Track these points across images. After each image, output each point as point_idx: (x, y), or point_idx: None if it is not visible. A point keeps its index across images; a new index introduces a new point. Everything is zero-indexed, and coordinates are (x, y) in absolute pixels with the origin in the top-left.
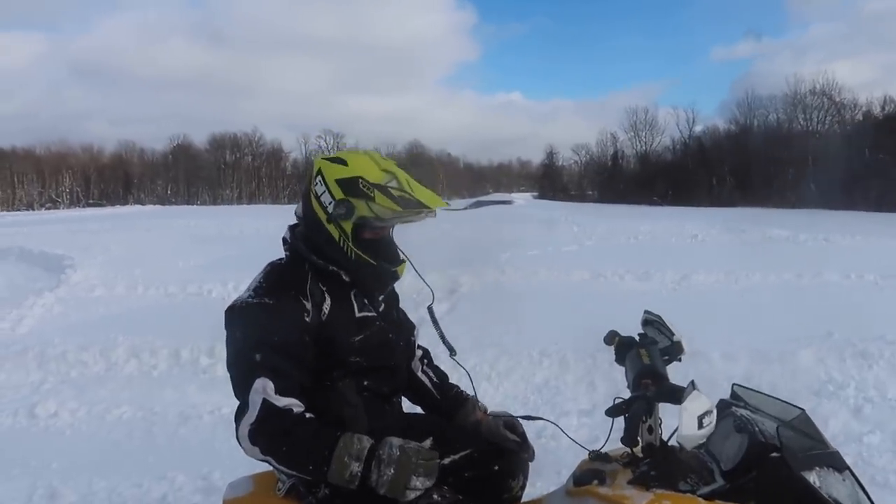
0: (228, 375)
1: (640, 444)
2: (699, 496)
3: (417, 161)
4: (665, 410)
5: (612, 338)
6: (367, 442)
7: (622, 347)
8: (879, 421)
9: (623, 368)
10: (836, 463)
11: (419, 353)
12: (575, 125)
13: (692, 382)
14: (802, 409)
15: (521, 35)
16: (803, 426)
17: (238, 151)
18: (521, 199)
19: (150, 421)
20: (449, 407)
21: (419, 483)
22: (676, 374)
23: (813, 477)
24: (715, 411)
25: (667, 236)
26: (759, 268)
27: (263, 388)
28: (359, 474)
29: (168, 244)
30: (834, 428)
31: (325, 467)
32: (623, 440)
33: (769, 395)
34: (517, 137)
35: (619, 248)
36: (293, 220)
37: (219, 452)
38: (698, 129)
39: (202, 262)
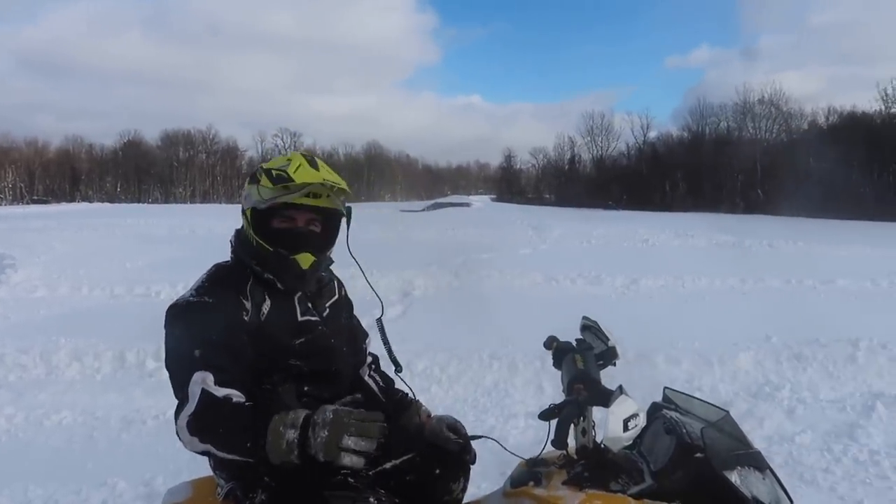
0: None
1: (575, 446)
2: (629, 495)
3: (375, 161)
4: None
5: (550, 342)
6: (302, 412)
7: (559, 352)
8: (811, 422)
9: (560, 372)
10: (757, 462)
11: (368, 359)
12: (533, 129)
13: (620, 387)
14: (727, 412)
15: (482, 39)
16: (727, 427)
17: (192, 149)
18: (479, 201)
19: (91, 426)
20: (393, 409)
21: (352, 443)
22: (620, 377)
23: (735, 476)
24: (641, 415)
25: (619, 240)
26: (705, 272)
27: (203, 379)
28: (295, 441)
29: (115, 244)
30: (769, 428)
31: (261, 441)
32: (553, 443)
33: (697, 398)
34: (476, 140)
35: (572, 251)
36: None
37: (162, 457)
38: (652, 135)
39: (150, 262)
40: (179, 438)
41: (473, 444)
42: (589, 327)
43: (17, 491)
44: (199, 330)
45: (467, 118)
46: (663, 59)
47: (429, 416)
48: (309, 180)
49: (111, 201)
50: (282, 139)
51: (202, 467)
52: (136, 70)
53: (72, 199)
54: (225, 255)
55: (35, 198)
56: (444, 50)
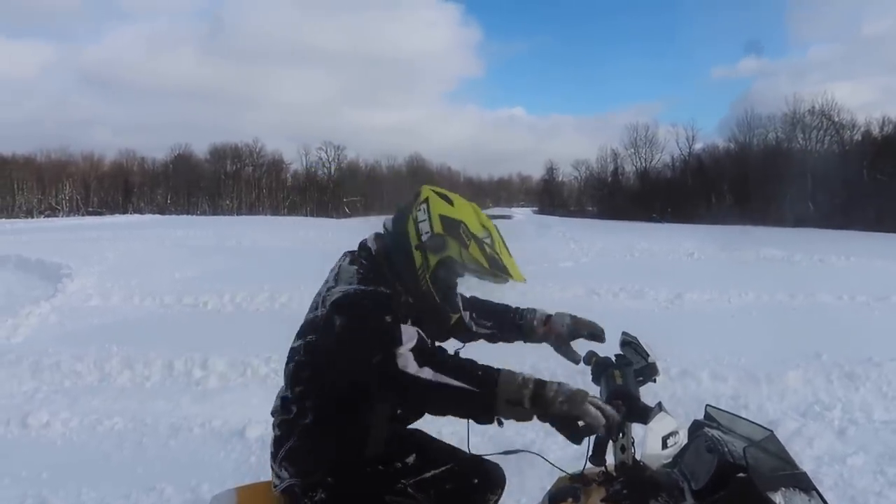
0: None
1: (615, 462)
2: None
3: (418, 174)
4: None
5: (589, 358)
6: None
7: (599, 367)
8: (863, 443)
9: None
10: (802, 483)
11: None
12: (576, 141)
13: (659, 403)
14: (771, 431)
15: (525, 52)
16: (772, 447)
17: (239, 162)
18: (521, 213)
19: (140, 432)
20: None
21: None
22: (663, 393)
23: (779, 497)
24: (681, 432)
25: (663, 253)
26: (752, 287)
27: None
28: (531, 383)
29: (165, 254)
30: (818, 449)
31: (494, 373)
32: (591, 459)
33: (741, 417)
34: (518, 152)
35: (615, 264)
36: (291, 233)
37: (208, 465)
38: (698, 146)
39: (199, 273)
40: (396, 371)
41: (514, 458)
42: (629, 343)
43: (71, 493)
44: (386, 309)
45: (510, 130)
46: (708, 69)
47: (547, 319)
48: (518, 279)
49: (162, 213)
50: (326, 152)
51: (246, 475)
52: (187, 85)
53: (124, 211)
54: (270, 267)
55: (90, 209)
56: (488, 63)
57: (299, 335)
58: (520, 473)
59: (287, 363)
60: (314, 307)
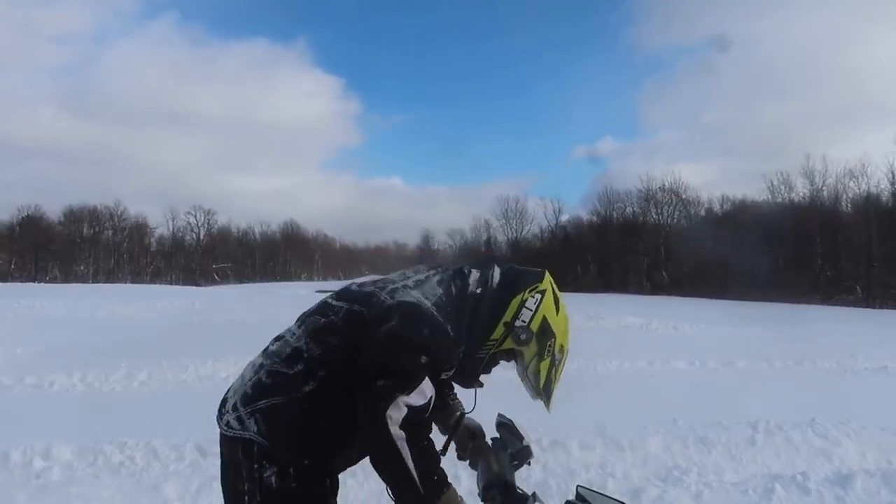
0: (386, 343)
1: None
2: None
3: (293, 240)
4: None
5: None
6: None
7: (474, 453)
8: None
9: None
10: None
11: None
12: (451, 210)
13: (534, 494)
14: None
15: (403, 125)
16: None
17: (97, 225)
18: None
19: None
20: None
21: None
22: (536, 464)
23: None
24: None
25: None
26: (615, 355)
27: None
28: None
29: (5, 327)
30: None
31: (444, 489)
32: None
33: (608, 496)
34: (395, 220)
35: None
36: (153, 302)
37: None
38: (564, 218)
39: (45, 348)
40: (372, 404)
41: None
42: (504, 424)
43: None
44: (435, 349)
45: (386, 199)
46: (570, 148)
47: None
48: (549, 410)
49: (3, 280)
50: (195, 216)
51: None
52: (42, 144)
53: None
54: (128, 342)
55: None
56: (367, 134)
57: (345, 298)
58: None
59: (313, 314)
60: (379, 286)
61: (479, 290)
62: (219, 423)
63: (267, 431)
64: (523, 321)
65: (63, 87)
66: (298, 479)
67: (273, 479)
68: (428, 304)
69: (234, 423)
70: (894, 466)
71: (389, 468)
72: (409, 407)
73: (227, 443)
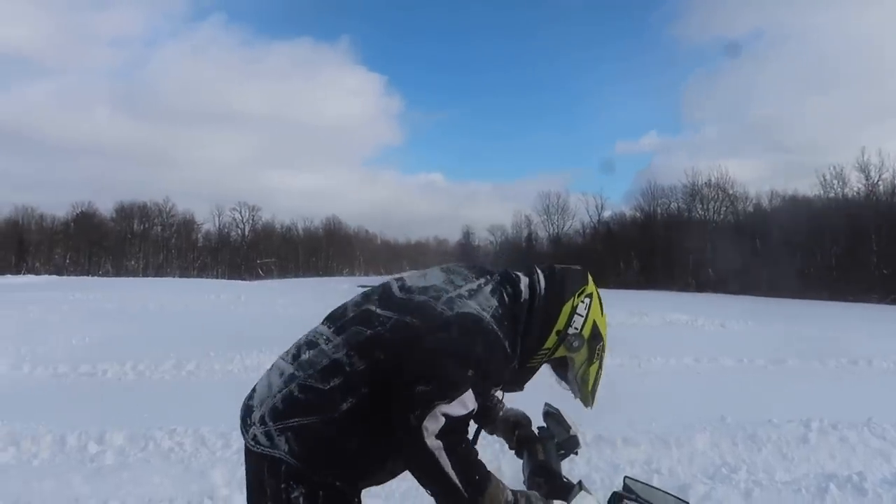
0: (433, 350)
1: None
2: None
3: (334, 236)
4: None
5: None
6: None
7: (521, 441)
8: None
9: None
10: None
11: None
12: (492, 206)
13: (580, 482)
14: (687, 502)
15: (444, 122)
16: None
17: (147, 221)
18: None
19: None
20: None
21: None
22: (579, 459)
23: None
24: None
25: None
26: (660, 352)
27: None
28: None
29: (61, 319)
30: None
31: (486, 485)
32: None
33: (657, 488)
34: (436, 217)
35: None
36: (201, 296)
37: None
38: (606, 214)
39: (98, 339)
40: (408, 412)
41: None
42: (551, 414)
43: None
44: (486, 363)
45: (428, 195)
46: (613, 143)
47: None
48: (587, 402)
49: (59, 274)
50: (240, 213)
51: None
52: (97, 143)
53: (18, 271)
54: (176, 333)
55: None
56: (408, 131)
57: (393, 308)
58: None
59: (354, 322)
60: (433, 296)
61: (529, 296)
62: (244, 435)
63: (298, 452)
64: (576, 328)
65: (116, 88)
66: (327, 501)
67: (301, 500)
68: (487, 316)
69: (262, 439)
70: None
71: (430, 480)
72: (448, 417)
73: (253, 458)
